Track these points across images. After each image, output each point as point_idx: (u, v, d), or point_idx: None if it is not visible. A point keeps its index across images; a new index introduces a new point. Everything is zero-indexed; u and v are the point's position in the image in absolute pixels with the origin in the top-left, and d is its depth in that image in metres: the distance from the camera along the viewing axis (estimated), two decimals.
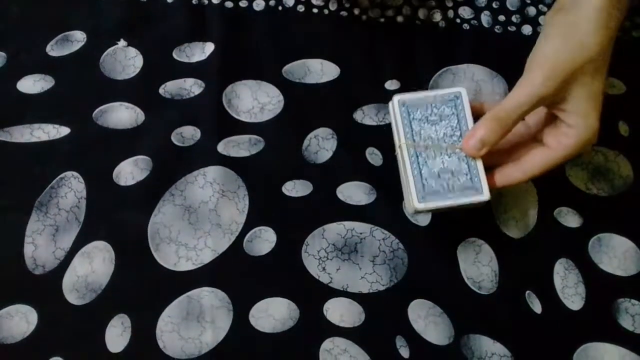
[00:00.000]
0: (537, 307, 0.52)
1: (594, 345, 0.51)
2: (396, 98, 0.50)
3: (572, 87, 0.45)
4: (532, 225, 0.54)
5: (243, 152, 0.55)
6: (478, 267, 0.53)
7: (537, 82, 0.44)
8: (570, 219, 0.54)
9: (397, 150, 0.49)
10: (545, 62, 0.45)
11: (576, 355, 0.51)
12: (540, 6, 0.60)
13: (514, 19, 0.60)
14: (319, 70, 0.58)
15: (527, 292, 0.52)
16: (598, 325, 0.52)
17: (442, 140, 0.49)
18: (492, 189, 0.47)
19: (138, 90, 0.56)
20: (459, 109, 0.49)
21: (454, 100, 0.50)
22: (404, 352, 0.50)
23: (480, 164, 0.48)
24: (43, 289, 0.51)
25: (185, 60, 0.58)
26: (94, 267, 0.52)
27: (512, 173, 0.47)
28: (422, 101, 0.49)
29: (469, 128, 0.49)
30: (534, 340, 0.51)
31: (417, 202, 0.47)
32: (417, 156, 0.48)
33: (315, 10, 0.60)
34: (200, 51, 0.58)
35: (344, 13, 0.60)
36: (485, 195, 0.48)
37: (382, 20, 0.59)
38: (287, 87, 0.57)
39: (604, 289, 0.53)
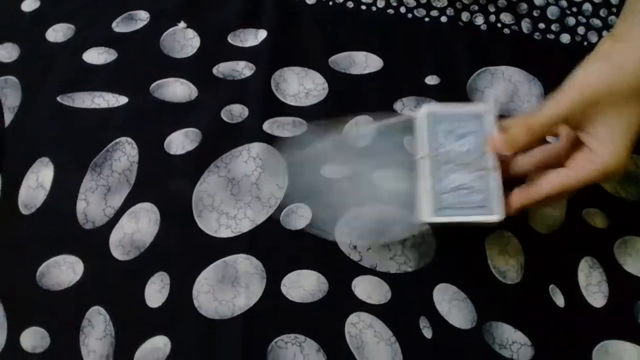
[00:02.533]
0: (560, 300, 0.52)
1: (614, 342, 0.51)
2: (424, 109, 0.49)
3: (603, 112, 0.43)
4: (560, 222, 0.54)
5: (286, 133, 0.57)
6: (505, 257, 0.53)
7: (566, 101, 0.44)
8: (597, 219, 0.54)
9: (419, 160, 0.49)
10: (579, 84, 0.44)
11: (596, 350, 0.51)
12: (580, 17, 0.61)
13: (553, 27, 0.61)
14: (363, 62, 0.59)
15: (551, 285, 0.52)
16: (619, 324, 0.52)
17: (464, 155, 0.48)
18: (509, 211, 0.46)
19: (193, 69, 0.59)
20: (485, 126, 0.48)
21: (481, 117, 0.48)
22: (427, 332, 0.51)
23: (497, 184, 0.47)
24: (91, 243, 0.53)
25: (239, 44, 0.60)
26: (140, 226, 0.53)
27: (528, 191, 0.46)
28: (449, 115, 0.49)
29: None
30: (555, 332, 0.51)
31: (429, 215, 0.47)
32: (437, 169, 0.48)
33: (363, 7, 0.62)
34: (254, 37, 0.60)
35: (390, 11, 0.62)
36: (498, 215, 0.47)
37: (427, 19, 0.61)
38: (332, 75, 0.59)
39: (627, 289, 0.53)
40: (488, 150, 0.47)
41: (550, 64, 0.59)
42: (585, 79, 0.44)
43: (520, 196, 0.47)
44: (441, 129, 0.48)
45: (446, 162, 0.48)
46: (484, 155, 0.48)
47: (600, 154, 0.44)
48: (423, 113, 0.49)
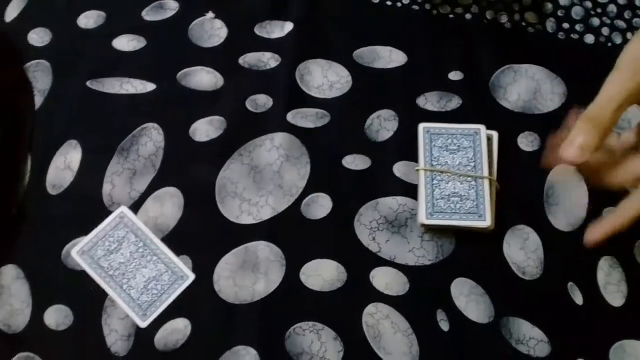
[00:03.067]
0: (578, 298, 0.52)
1: (632, 342, 0.50)
2: (422, 126, 0.55)
3: None
4: (581, 220, 0.54)
5: (309, 124, 0.57)
6: (524, 253, 0.53)
7: (625, 77, 0.42)
8: None
9: (418, 171, 0.54)
10: (634, 58, 0.43)
11: (613, 349, 0.50)
12: (604, 18, 0.61)
13: (577, 27, 0.60)
14: (388, 57, 0.59)
15: (570, 283, 0.52)
16: (637, 324, 0.51)
17: (457, 167, 0.54)
18: (590, 243, 0.46)
19: (220, 58, 0.59)
20: (477, 144, 0.54)
21: (474, 136, 0.55)
22: (444, 325, 0.51)
23: (487, 193, 0.53)
24: None
25: (266, 36, 0.60)
26: (164, 210, 0.54)
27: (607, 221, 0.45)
28: (445, 132, 0.55)
29: (482, 162, 0.54)
30: (572, 330, 0.51)
31: (424, 218, 0.52)
32: (433, 178, 0.54)
33: (389, 3, 0.62)
34: (280, 29, 0.61)
35: (415, 7, 0.62)
36: (487, 222, 0.52)
37: (452, 16, 0.61)
38: (356, 69, 0.59)
39: None
40: (556, 163, 0.47)
41: (574, 64, 0.59)
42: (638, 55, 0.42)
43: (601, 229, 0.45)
44: (437, 144, 0.55)
45: (441, 173, 0.54)
46: (475, 169, 0.53)
47: None
48: (420, 130, 0.55)
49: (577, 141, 0.43)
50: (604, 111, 0.43)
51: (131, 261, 0.52)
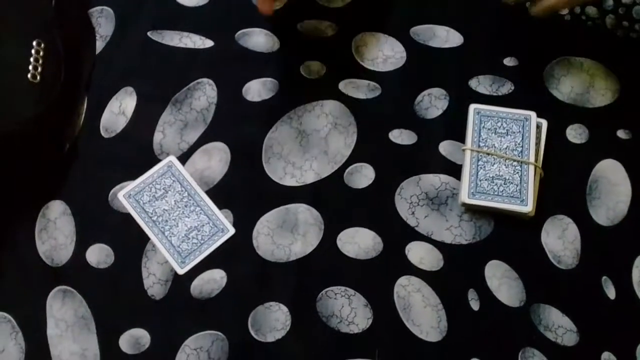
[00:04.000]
0: (611, 293, 0.51)
1: None
2: (472, 107, 0.55)
3: None
4: (621, 216, 0.53)
5: (360, 95, 0.57)
6: (562, 243, 0.52)
7: None
8: None
9: (465, 151, 0.54)
10: None
11: None
12: None
13: (636, 26, 0.59)
14: (444, 37, 0.59)
15: (604, 277, 0.51)
16: None
17: (503, 151, 0.53)
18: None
19: (279, 22, 0.59)
20: (526, 129, 0.54)
21: (523, 121, 0.54)
22: (474, 304, 0.51)
23: (531, 179, 0.52)
24: None
25: (325, 4, 0.60)
26: (211, 163, 0.55)
27: None
28: (495, 114, 0.55)
29: (530, 147, 0.53)
30: (602, 323, 0.50)
31: (466, 197, 0.52)
32: (478, 159, 0.53)
33: None
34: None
35: None
36: (528, 207, 0.51)
37: (512, 4, 0.61)
38: (411, 45, 0.59)
39: None
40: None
41: (629, 62, 0.58)
42: None
43: None
44: (486, 126, 0.54)
45: (487, 154, 0.53)
46: (522, 154, 0.53)
47: None
48: (471, 110, 0.55)
49: None
50: None
51: (175, 209, 0.52)
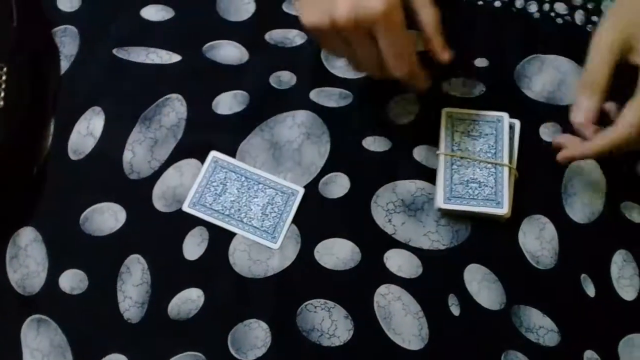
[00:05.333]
0: (590, 290, 0.50)
1: None
2: (445, 110, 0.54)
3: None
4: (597, 213, 0.52)
5: (332, 103, 0.55)
6: (539, 243, 0.51)
7: (605, 31, 0.46)
8: (635, 214, 0.52)
9: (438, 155, 0.53)
10: (610, 14, 0.47)
11: (622, 342, 0.49)
12: None
13: None
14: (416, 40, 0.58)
15: (583, 275, 0.51)
16: None
17: (477, 154, 0.52)
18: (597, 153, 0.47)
19: (247, 33, 0.58)
20: (499, 131, 0.53)
21: (496, 123, 0.53)
22: (455, 310, 0.50)
23: (506, 181, 0.51)
24: (135, 193, 0.53)
25: (293, 12, 0.59)
26: (183, 180, 0.53)
27: (606, 132, 0.46)
28: (467, 117, 0.54)
29: (503, 149, 0.52)
30: (582, 321, 0.50)
31: (441, 202, 0.51)
32: (452, 163, 0.52)
33: None
34: None
35: None
36: (504, 210, 0.51)
37: (480, 2, 0.59)
38: None
39: None
40: (576, 120, 0.48)
41: None
42: (614, 9, 0.47)
43: (600, 140, 0.46)
44: (459, 129, 0.53)
45: (461, 158, 0.52)
46: (496, 156, 0.52)
47: None
48: (443, 114, 0.54)
49: (581, 106, 0.48)
50: (595, 73, 0.47)
51: (240, 196, 0.52)
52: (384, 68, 0.46)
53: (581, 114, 0.47)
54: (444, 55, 0.48)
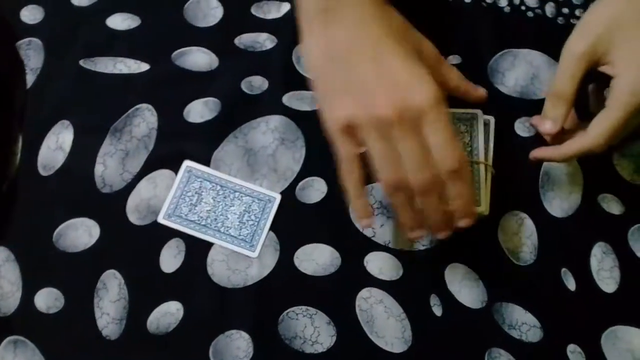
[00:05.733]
0: (571, 284, 0.50)
1: (624, 328, 0.49)
2: None
3: (614, 38, 0.45)
4: (575, 207, 0.52)
5: (305, 107, 0.55)
6: (518, 239, 0.51)
7: (575, 42, 0.46)
8: (612, 206, 0.52)
9: None
10: (582, 24, 0.47)
11: (605, 335, 0.49)
12: None
13: (577, 12, 0.58)
14: None
15: (563, 269, 0.51)
16: (629, 310, 0.50)
17: None
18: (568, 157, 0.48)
19: (215, 38, 0.57)
20: (474, 129, 0.52)
21: (470, 120, 0.52)
22: (437, 310, 0.49)
23: (483, 178, 0.50)
24: (108, 207, 0.52)
25: (262, 16, 0.58)
26: (157, 192, 0.52)
27: (578, 140, 0.46)
28: None
29: (479, 146, 0.51)
30: (564, 315, 0.50)
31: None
32: None
33: None
34: (277, 10, 0.58)
35: None
36: (482, 208, 0.50)
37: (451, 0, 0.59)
38: None
39: (638, 277, 0.51)
40: (543, 130, 0.49)
41: None
42: (584, 19, 0.47)
43: (571, 144, 0.47)
44: None
45: None
46: (472, 153, 0.51)
47: (627, 74, 0.44)
48: None
49: (549, 115, 0.48)
50: (563, 83, 0.47)
51: (216, 206, 0.51)
52: (427, 164, 0.41)
53: (549, 124, 0.48)
54: (479, 92, 0.47)
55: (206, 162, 0.53)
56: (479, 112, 0.53)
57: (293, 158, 0.53)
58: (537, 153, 0.50)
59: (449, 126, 0.41)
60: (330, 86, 0.42)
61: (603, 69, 0.46)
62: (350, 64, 0.41)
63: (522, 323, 0.49)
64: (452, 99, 0.54)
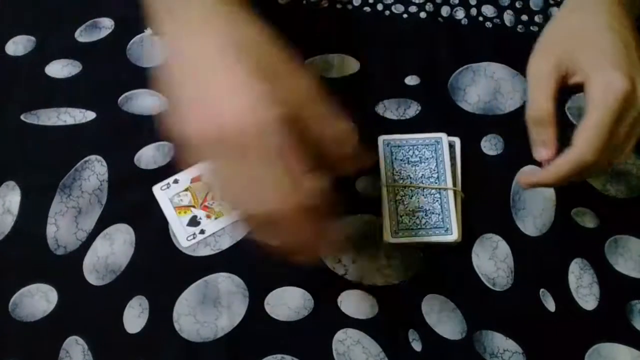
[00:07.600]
0: (550, 305, 0.49)
1: (607, 345, 0.48)
2: (381, 139, 0.52)
3: (577, 47, 0.44)
4: (549, 224, 0.50)
5: None
6: (494, 263, 0.49)
7: (538, 63, 0.45)
8: (587, 219, 0.51)
9: (381, 187, 0.50)
10: (541, 45, 0.46)
11: (588, 355, 0.47)
12: None
13: (536, 19, 0.56)
14: (340, 65, 0.55)
15: (542, 290, 0.49)
16: (611, 326, 0.48)
17: (420, 180, 0.50)
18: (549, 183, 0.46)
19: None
20: (439, 153, 0.51)
21: (435, 145, 0.51)
22: (416, 345, 0.48)
23: (452, 205, 0.49)
24: (64, 269, 0.49)
25: None
26: (114, 248, 0.49)
27: (565, 155, 0.43)
28: (405, 143, 0.51)
29: (446, 172, 0.50)
30: (546, 338, 0.48)
31: (390, 236, 0.49)
32: (396, 194, 0.50)
33: (339, 6, 0.57)
34: None
35: (367, 9, 0.57)
36: (454, 236, 0.49)
37: (405, 16, 0.56)
38: None
39: (619, 290, 0.49)
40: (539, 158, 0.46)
41: None
42: (545, 35, 0.46)
43: (555, 167, 0.44)
44: (398, 157, 0.51)
45: (404, 187, 0.50)
46: (438, 180, 0.50)
47: (600, 80, 0.42)
48: (380, 143, 0.52)
49: (539, 141, 0.46)
50: (538, 104, 0.45)
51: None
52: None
53: (543, 150, 0.45)
54: (367, 162, 0.43)
55: (164, 214, 0.50)
56: (443, 135, 0.51)
57: None
58: (527, 179, 0.47)
59: (282, 157, 0.34)
60: (177, 92, 0.36)
61: (573, 80, 0.44)
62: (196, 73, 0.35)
63: (504, 350, 0.48)
64: (418, 123, 0.52)
